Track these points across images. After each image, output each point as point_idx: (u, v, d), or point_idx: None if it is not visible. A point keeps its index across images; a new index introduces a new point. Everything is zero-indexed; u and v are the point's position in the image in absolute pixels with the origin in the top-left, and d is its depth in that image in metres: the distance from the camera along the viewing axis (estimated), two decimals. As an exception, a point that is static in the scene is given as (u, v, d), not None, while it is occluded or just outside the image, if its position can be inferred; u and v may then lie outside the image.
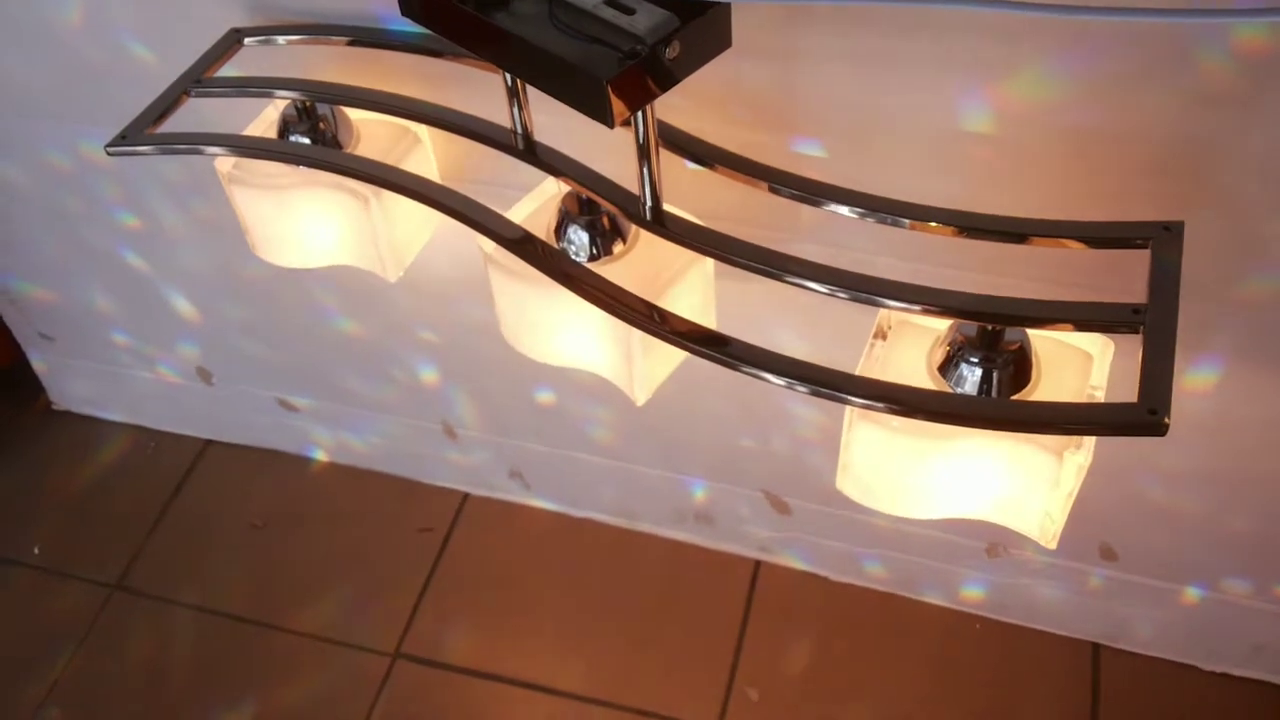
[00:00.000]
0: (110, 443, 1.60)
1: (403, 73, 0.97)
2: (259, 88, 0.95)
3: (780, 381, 0.70)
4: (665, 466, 1.33)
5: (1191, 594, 1.16)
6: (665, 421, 1.25)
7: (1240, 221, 0.82)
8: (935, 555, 1.26)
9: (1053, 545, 0.75)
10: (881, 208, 0.76)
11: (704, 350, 0.74)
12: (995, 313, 0.68)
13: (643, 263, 0.85)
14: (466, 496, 1.48)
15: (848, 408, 0.73)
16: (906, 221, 0.76)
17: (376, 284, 1.23)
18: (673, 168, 0.89)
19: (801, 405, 1.16)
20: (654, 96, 0.69)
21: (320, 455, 1.54)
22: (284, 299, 1.31)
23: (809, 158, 0.90)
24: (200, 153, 0.93)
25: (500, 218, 0.84)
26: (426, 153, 1.00)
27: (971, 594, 1.29)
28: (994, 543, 1.22)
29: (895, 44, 0.82)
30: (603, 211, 0.85)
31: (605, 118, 0.66)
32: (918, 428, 0.69)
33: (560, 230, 0.86)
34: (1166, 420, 0.60)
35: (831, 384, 0.68)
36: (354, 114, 0.99)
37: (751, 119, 0.90)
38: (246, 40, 0.99)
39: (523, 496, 1.46)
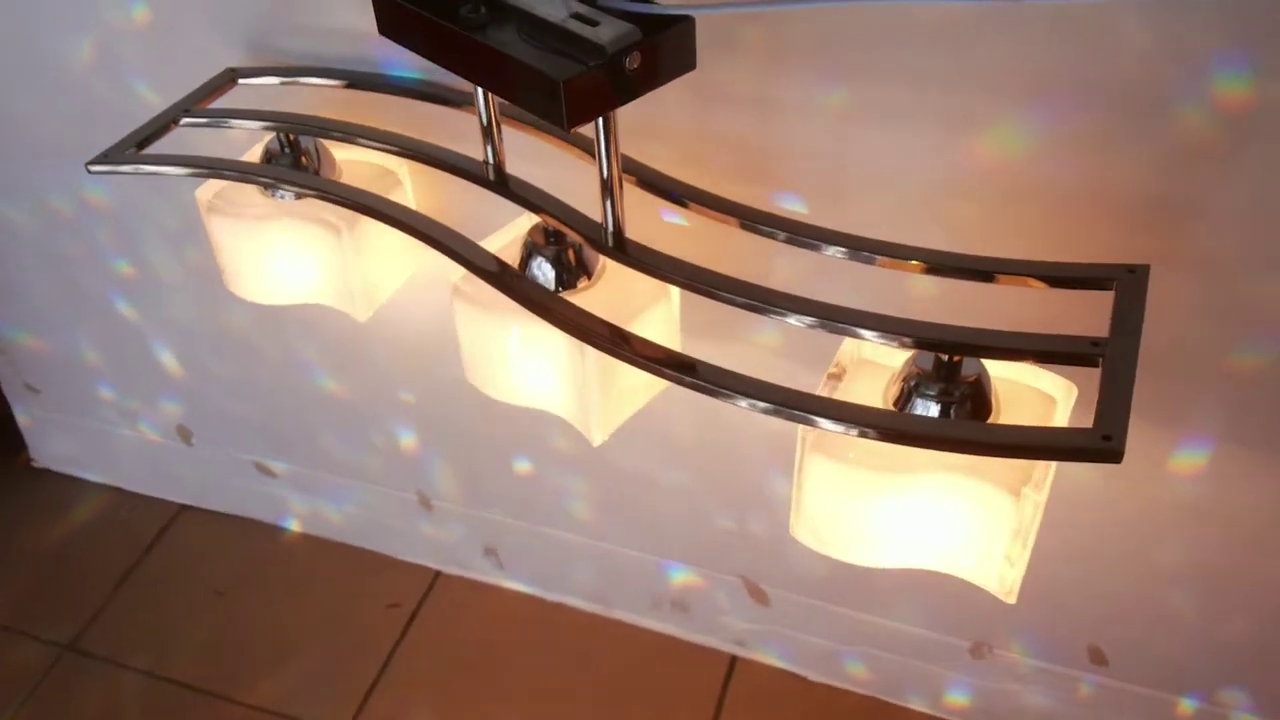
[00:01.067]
0: (85, 503, 1.58)
1: (392, 119, 0.97)
2: (243, 118, 0.96)
3: (745, 404, 0.68)
4: (642, 547, 1.28)
5: (1186, 706, 1.08)
6: (642, 496, 1.22)
7: (1223, 283, 0.80)
8: (918, 654, 1.19)
9: (1011, 599, 0.70)
10: (853, 245, 0.74)
11: (669, 373, 0.72)
12: (953, 341, 0.66)
13: (606, 298, 0.84)
14: (438, 574, 1.44)
15: (799, 444, 0.70)
16: (877, 259, 0.74)
17: (358, 341, 1.23)
18: (648, 222, 0.89)
19: (780, 482, 1.12)
20: (613, 105, 0.68)
21: (294, 525, 1.50)
22: (267, 353, 1.30)
23: (790, 212, 0.89)
24: (178, 172, 0.93)
25: (469, 242, 0.83)
26: (406, 194, 1.00)
27: (956, 700, 1.21)
28: (978, 641, 1.15)
29: (875, 95, 0.82)
30: (569, 244, 0.84)
31: (559, 119, 0.66)
32: (872, 460, 0.66)
33: (525, 263, 0.85)
34: (1120, 448, 0.57)
35: (792, 403, 0.65)
36: (338, 152, 0.99)
37: (731, 172, 0.90)
38: (241, 80, 1.01)
39: (495, 576, 1.41)
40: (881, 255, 0.73)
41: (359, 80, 0.97)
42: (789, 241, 0.76)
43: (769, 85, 0.84)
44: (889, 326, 0.67)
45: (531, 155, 0.88)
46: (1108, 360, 0.62)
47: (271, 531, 1.51)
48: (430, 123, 0.95)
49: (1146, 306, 0.68)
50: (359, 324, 1.20)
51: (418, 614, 1.40)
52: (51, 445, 1.59)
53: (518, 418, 1.21)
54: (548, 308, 0.78)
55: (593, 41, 0.67)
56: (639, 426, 1.15)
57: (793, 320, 0.70)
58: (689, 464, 1.16)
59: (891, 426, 0.62)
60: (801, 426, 0.69)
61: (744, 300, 0.72)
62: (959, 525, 0.68)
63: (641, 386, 0.86)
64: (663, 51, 0.68)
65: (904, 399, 0.69)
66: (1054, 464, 0.66)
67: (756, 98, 0.85)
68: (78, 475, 1.60)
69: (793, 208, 0.89)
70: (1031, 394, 0.71)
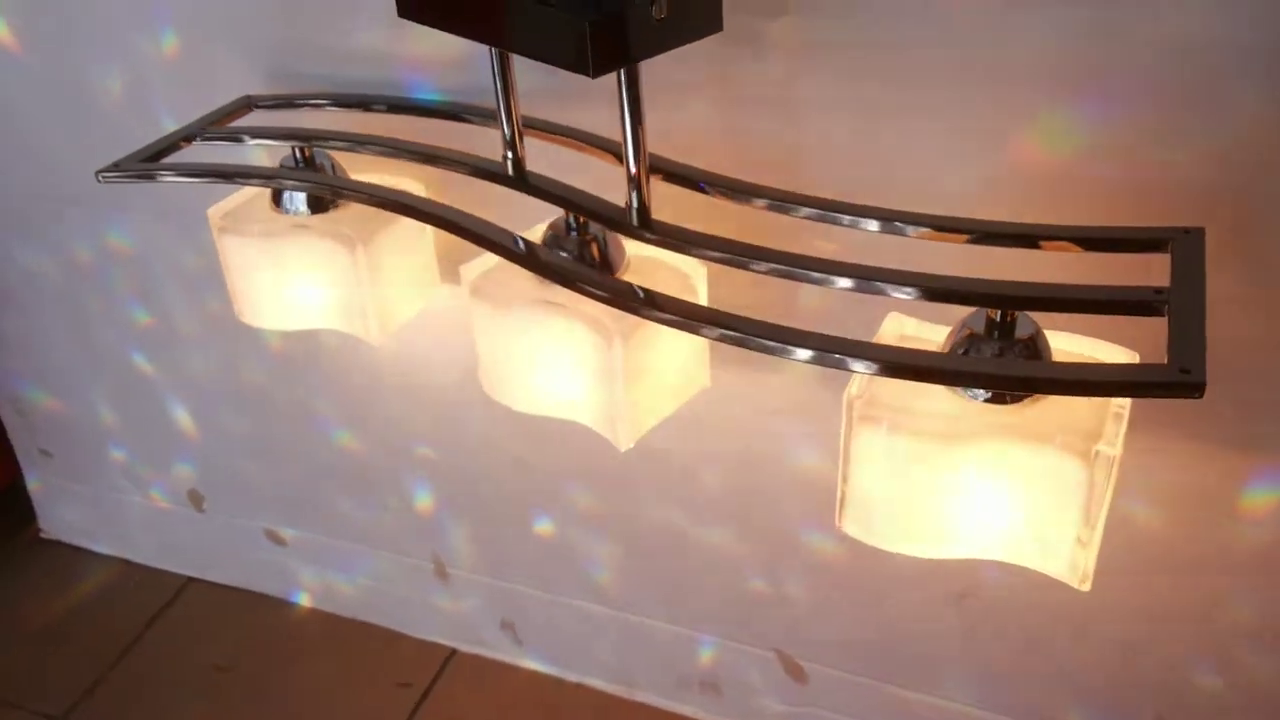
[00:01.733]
0: (92, 575, 1.51)
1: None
2: (255, 137, 0.94)
3: (786, 351, 0.62)
4: (669, 618, 1.19)
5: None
6: (670, 557, 1.14)
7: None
8: (972, 737, 1.08)
9: (1086, 586, 0.62)
10: (885, 217, 0.69)
11: (705, 328, 0.66)
12: (1011, 296, 0.60)
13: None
14: (454, 652, 1.35)
15: (845, 418, 0.64)
16: (909, 230, 0.69)
17: (376, 392, 1.19)
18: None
19: (816, 537, 1.04)
20: (639, 54, 0.65)
21: (304, 599, 1.43)
22: (283, 408, 1.25)
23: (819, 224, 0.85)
24: (186, 180, 0.92)
25: (495, 227, 0.79)
26: (425, 217, 0.97)
27: (1015, 789, 1.09)
28: (1038, 718, 1.04)
29: (908, 93, 0.78)
30: (591, 237, 0.80)
31: (585, 64, 0.62)
32: (926, 427, 0.60)
33: (546, 260, 0.81)
34: (1201, 380, 0.50)
35: (837, 348, 0.59)
36: (355, 174, 0.97)
37: (762, 175, 0.86)
38: (258, 107, 0.99)
39: (513, 654, 1.32)
40: (915, 226, 0.68)
41: (374, 102, 0.95)
42: (819, 219, 0.71)
43: (798, 85, 0.81)
44: (939, 283, 0.62)
45: (554, 163, 0.85)
46: (1174, 307, 0.56)
47: (280, 606, 1.43)
48: (449, 137, 0.93)
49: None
50: (377, 374, 1.17)
51: (429, 694, 1.31)
52: (61, 514, 1.54)
53: (537, 470, 1.15)
54: (578, 278, 0.74)
55: (618, -8, 0.64)
56: (665, 479, 1.09)
57: (840, 283, 0.64)
58: (719, 518, 1.09)
59: (948, 368, 0.56)
60: (848, 397, 0.63)
61: (783, 269, 0.67)
62: (1023, 500, 0.60)
63: (670, 389, 0.80)
64: (690, 3, 0.65)
65: (957, 364, 0.63)
66: (1125, 420, 0.59)
67: (785, 98, 0.82)
68: (86, 546, 1.55)
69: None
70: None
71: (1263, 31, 0.66)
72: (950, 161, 0.79)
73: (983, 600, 1.00)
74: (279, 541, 1.39)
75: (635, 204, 0.73)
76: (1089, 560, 0.61)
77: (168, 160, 0.92)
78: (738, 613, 1.14)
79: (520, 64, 0.79)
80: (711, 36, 0.77)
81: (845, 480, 0.65)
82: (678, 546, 1.12)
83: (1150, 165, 0.73)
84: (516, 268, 0.82)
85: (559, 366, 0.78)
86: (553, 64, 0.65)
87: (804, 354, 0.60)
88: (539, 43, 0.66)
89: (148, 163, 0.91)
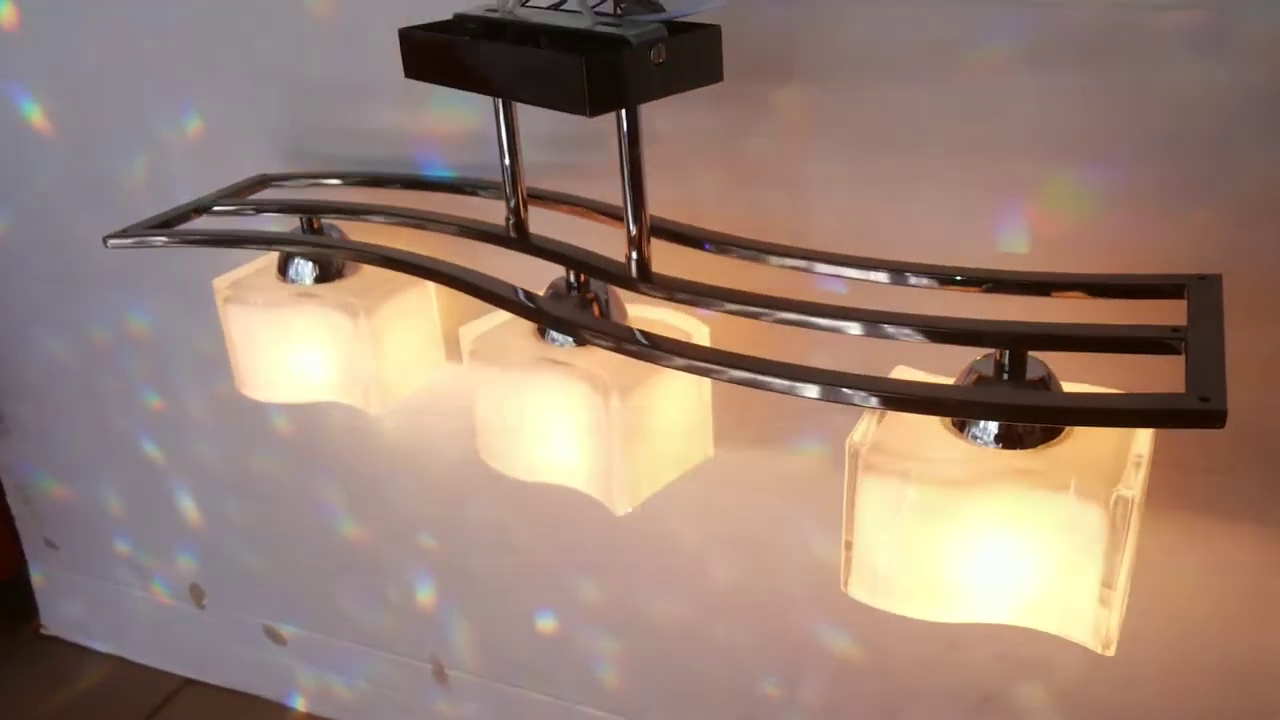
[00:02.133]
0: (89, 674, 1.47)
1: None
2: (261, 209, 0.95)
3: (794, 389, 0.59)
4: (677, 726, 1.13)
5: None
6: (677, 657, 1.08)
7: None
8: None
9: (1110, 651, 0.56)
10: (899, 269, 0.67)
11: (710, 368, 0.63)
12: (1021, 334, 0.57)
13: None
14: (451, 763, 1.28)
15: (849, 469, 0.60)
16: (910, 280, 0.66)
17: (381, 478, 1.16)
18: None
19: (830, 633, 0.99)
20: (637, 97, 0.64)
21: (300, 703, 1.37)
22: (288, 493, 1.23)
23: (828, 295, 0.82)
24: (191, 245, 0.92)
25: (494, 279, 0.77)
26: (428, 289, 0.96)
27: None
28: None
29: (914, 163, 0.77)
30: (592, 297, 0.78)
31: (581, 103, 0.62)
32: (933, 476, 0.56)
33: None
34: (1222, 409, 0.47)
35: (853, 384, 0.56)
36: (365, 245, 0.97)
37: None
38: (273, 184, 1.00)
39: (513, 764, 1.25)
40: (922, 277, 0.66)
41: (387, 179, 0.95)
42: (827, 275, 0.70)
43: (804, 158, 0.80)
44: (948, 324, 0.59)
45: (557, 230, 0.84)
46: (1191, 344, 0.53)
47: (276, 711, 1.37)
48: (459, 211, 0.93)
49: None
50: (383, 457, 1.15)
51: (423, 806, 1.23)
52: (63, 609, 1.51)
53: (541, 559, 1.11)
54: (577, 322, 0.73)
55: (618, 36, 0.64)
56: (672, 571, 1.04)
57: (850, 329, 0.61)
58: (728, 613, 1.04)
59: (959, 399, 0.53)
60: (850, 444, 0.60)
61: (794, 318, 0.64)
62: (1039, 552, 0.56)
63: (671, 456, 0.77)
64: (688, 51, 0.65)
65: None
66: (1145, 461, 0.55)
67: (791, 172, 0.81)
68: (85, 644, 1.51)
69: (831, 289, 0.83)
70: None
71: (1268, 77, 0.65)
72: (963, 230, 0.77)
73: (1005, 707, 0.94)
74: (278, 640, 1.35)
75: (635, 256, 0.71)
76: (1112, 622, 0.56)
77: (187, 251, 0.92)
78: (748, 716, 1.08)
79: (528, 139, 0.80)
80: (715, 106, 0.77)
81: (850, 538, 0.61)
82: (686, 646, 1.07)
83: (1165, 223, 0.70)
84: (516, 329, 0.80)
85: (555, 426, 0.76)
86: (551, 107, 0.64)
87: (812, 390, 0.57)
88: (538, 88, 0.65)
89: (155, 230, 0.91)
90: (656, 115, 0.83)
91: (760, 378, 0.59)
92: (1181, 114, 0.68)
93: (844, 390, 0.56)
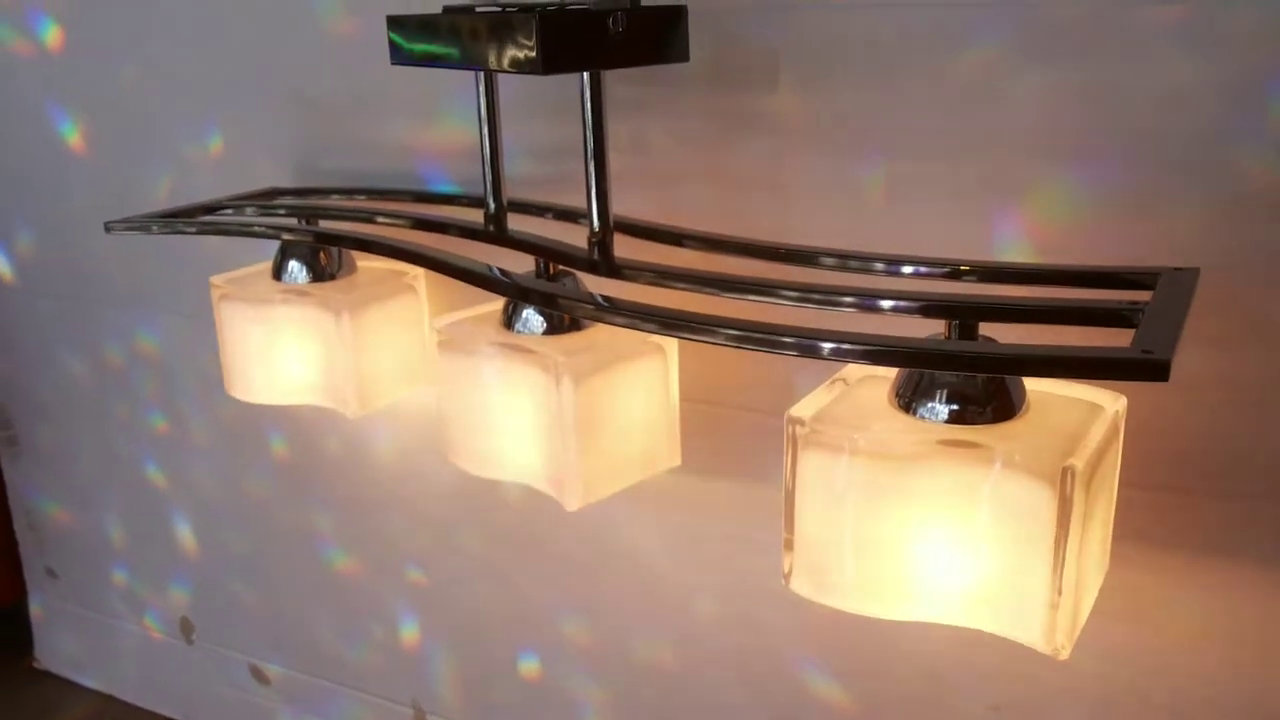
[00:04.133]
0: (75, 712, 1.44)
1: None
2: (263, 210, 0.96)
3: (732, 343, 0.56)
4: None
5: None
6: (664, 700, 1.03)
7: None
8: None
9: (1064, 654, 0.51)
10: (873, 259, 0.65)
11: (655, 327, 0.61)
12: (969, 304, 0.54)
13: (600, 343, 0.74)
14: (427, 817, 1.22)
15: (787, 448, 0.57)
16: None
17: (374, 505, 1.14)
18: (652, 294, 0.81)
19: (819, 674, 0.93)
20: (594, 61, 0.64)
21: (281, 748, 1.32)
22: (282, 521, 1.21)
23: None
24: (191, 230, 0.92)
25: (467, 259, 0.76)
26: (420, 301, 0.96)
27: None
28: None
29: (904, 168, 0.75)
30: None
31: (535, 64, 0.62)
32: (877, 450, 0.52)
33: (515, 309, 0.78)
34: (1165, 360, 0.43)
35: (786, 331, 0.54)
36: (360, 255, 0.97)
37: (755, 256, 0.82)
38: (281, 195, 1.02)
39: (490, 821, 1.18)
40: (895, 266, 0.63)
41: (392, 194, 0.96)
42: (793, 261, 0.67)
43: (792, 163, 0.79)
44: (899, 294, 0.56)
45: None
46: (1148, 315, 0.50)
47: (256, 754, 1.33)
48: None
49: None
50: (377, 485, 1.13)
51: None
52: (57, 643, 1.49)
53: (526, 596, 1.07)
54: (543, 291, 0.72)
55: (583, 8, 0.64)
56: (657, 609, 1.00)
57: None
58: (713, 652, 0.98)
59: (887, 348, 0.49)
60: (789, 419, 0.56)
61: (756, 292, 0.62)
62: (987, 538, 0.51)
63: (633, 457, 0.74)
64: (650, 25, 0.65)
65: (916, 393, 0.56)
66: (1101, 431, 0.51)
67: (778, 179, 0.80)
68: (75, 680, 1.48)
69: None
70: (1070, 401, 0.57)
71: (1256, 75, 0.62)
72: (952, 232, 0.74)
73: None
74: (262, 680, 1.31)
75: (598, 239, 0.70)
76: (1066, 624, 0.51)
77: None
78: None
79: (520, 149, 0.80)
80: (703, 113, 0.77)
81: (791, 509, 0.57)
82: (673, 688, 1.02)
83: (1149, 220, 0.67)
84: (485, 321, 0.79)
85: (511, 415, 0.74)
86: (511, 68, 0.64)
87: (758, 337, 0.54)
88: (499, 48, 0.65)
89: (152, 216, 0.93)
90: (648, 125, 0.83)
91: (722, 330, 0.56)
92: (1166, 110, 0.66)
93: (783, 339, 0.53)
